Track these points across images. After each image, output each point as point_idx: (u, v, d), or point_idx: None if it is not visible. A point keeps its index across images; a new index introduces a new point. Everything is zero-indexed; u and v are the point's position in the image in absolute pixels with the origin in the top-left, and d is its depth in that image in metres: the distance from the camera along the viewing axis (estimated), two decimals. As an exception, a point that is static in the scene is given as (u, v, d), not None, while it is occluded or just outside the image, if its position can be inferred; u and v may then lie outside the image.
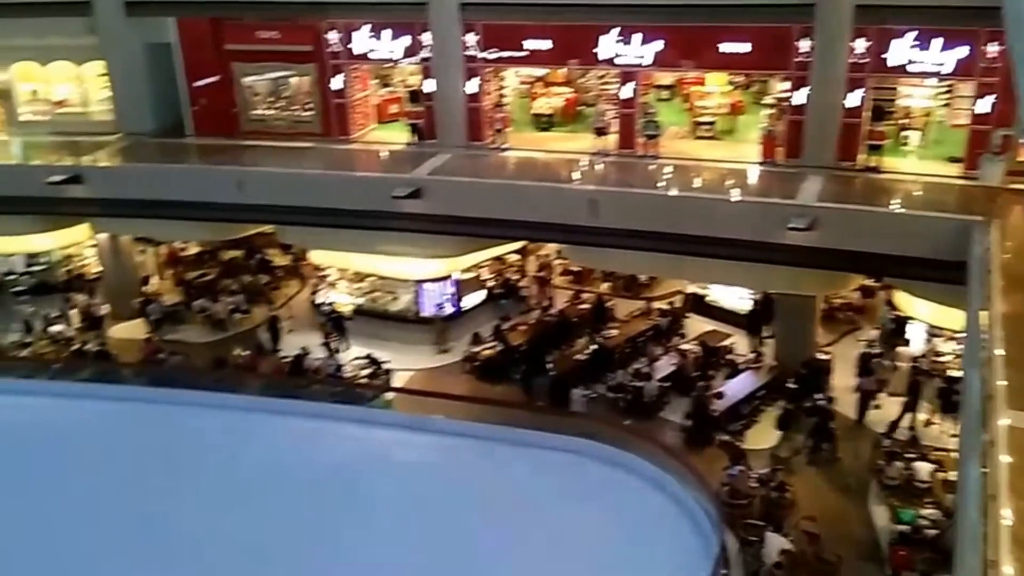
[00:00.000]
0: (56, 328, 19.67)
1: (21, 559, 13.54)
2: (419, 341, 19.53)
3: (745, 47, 18.56)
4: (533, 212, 17.17)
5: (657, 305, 20.29)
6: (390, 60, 21.13)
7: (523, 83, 23.91)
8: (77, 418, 17.89)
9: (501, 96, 22.23)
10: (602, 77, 22.61)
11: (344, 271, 20.44)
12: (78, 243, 21.62)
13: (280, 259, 23.03)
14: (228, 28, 21.32)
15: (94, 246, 21.44)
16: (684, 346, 18.57)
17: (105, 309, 20.71)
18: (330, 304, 20.11)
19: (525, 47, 19.93)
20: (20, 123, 22.21)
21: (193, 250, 23.38)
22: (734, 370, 17.86)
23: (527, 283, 21.54)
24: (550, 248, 21.42)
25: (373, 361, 18.21)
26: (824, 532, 13.34)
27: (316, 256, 20.54)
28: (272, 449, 16.56)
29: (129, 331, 20.42)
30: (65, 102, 22.41)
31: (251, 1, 20.37)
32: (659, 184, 18.45)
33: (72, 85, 22.23)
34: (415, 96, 21.47)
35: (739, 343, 18.99)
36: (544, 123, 22.67)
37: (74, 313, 20.39)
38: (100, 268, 21.55)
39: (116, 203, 19.03)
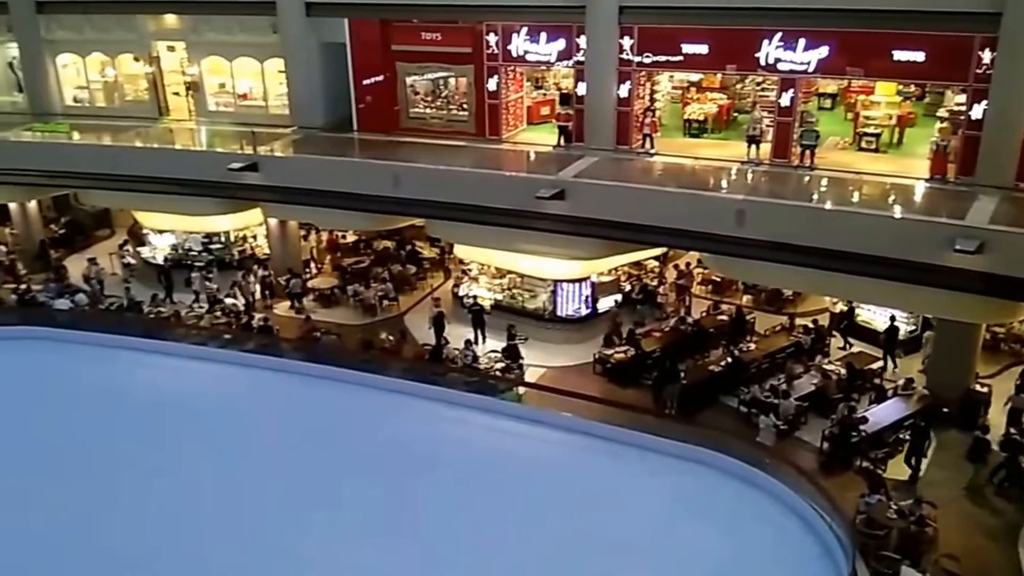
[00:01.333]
0: (229, 302, 21.29)
1: (173, 505, 14.98)
2: (552, 339, 19.74)
3: (919, 56, 17.35)
4: (677, 219, 16.87)
5: (800, 321, 19.46)
6: (545, 62, 21.40)
7: (676, 88, 23.53)
8: (242, 384, 19.50)
9: (652, 100, 22.03)
10: (760, 83, 21.91)
11: (486, 266, 20.93)
12: (250, 226, 23.32)
13: (428, 251, 23.84)
14: (395, 30, 22.30)
15: (262, 228, 23.05)
16: (827, 366, 17.73)
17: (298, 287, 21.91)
18: (471, 297, 20.71)
19: (682, 51, 19.65)
20: (208, 112, 24.17)
21: (351, 238, 24.62)
22: (881, 395, 16.88)
23: (665, 290, 21.24)
24: (691, 256, 21.02)
25: (508, 355, 18.59)
26: (965, 573, 12.41)
27: (461, 250, 21.15)
28: (407, 429, 17.39)
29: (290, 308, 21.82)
30: (248, 96, 24.14)
31: (418, 4, 21.14)
32: (814, 196, 17.72)
33: (254, 80, 23.92)
34: (566, 99, 21.63)
35: (888, 367, 17.98)
36: (695, 129, 22.25)
37: (248, 289, 21.96)
38: (268, 250, 23.15)
39: (286, 191, 20.31)
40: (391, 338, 19.76)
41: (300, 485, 15.39)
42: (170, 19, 23.60)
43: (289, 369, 19.21)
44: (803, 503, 14.06)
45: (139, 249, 23.65)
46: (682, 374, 17.30)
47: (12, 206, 23.91)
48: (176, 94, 24.63)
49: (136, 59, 24.32)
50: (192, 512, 14.76)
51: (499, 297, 20.72)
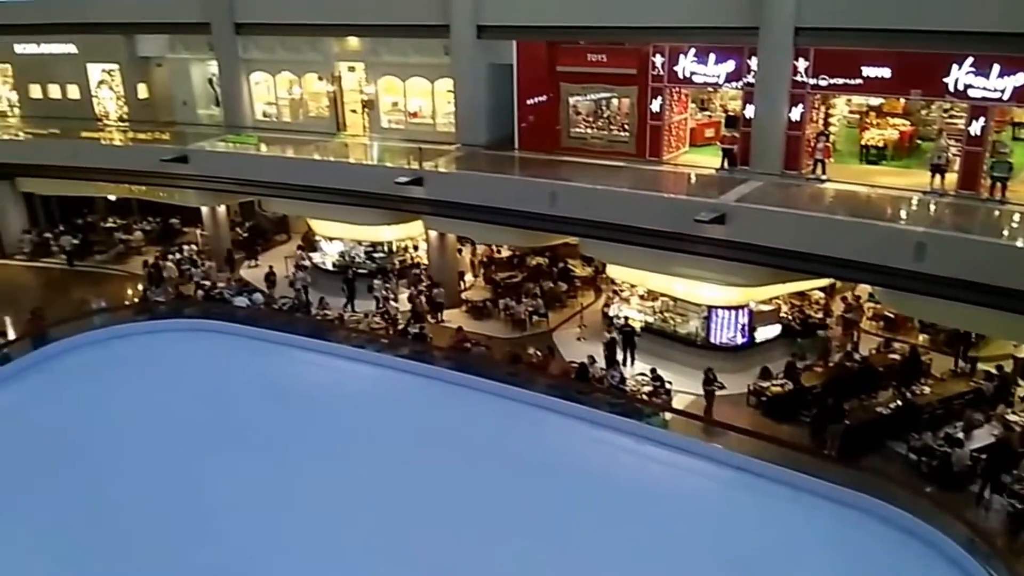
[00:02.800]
0: (389, 308, 22.15)
1: (321, 507, 15.60)
2: (703, 366, 19.06)
3: None
4: (848, 249, 15.87)
5: (983, 367, 17.72)
6: (712, 84, 20.90)
7: (852, 112, 22.28)
8: (393, 387, 20.14)
9: (826, 124, 20.96)
10: (948, 110, 20.32)
11: (638, 287, 20.61)
12: (412, 237, 24.23)
13: (580, 270, 23.78)
14: (561, 51, 22.57)
15: (423, 240, 23.88)
16: (1012, 417, 16.00)
17: (441, 297, 22.66)
18: (622, 318, 20.42)
19: (861, 74, 18.58)
20: (381, 129, 25.37)
21: (505, 253, 25.02)
22: (1076, 455, 15.01)
23: (830, 323, 20.02)
24: (861, 289, 19.70)
25: (656, 379, 18.13)
26: None
27: (613, 270, 20.93)
28: (549, 445, 17.18)
29: (448, 318, 22.26)
30: (417, 114, 25.14)
31: (589, 26, 21.27)
32: (1004, 232, 16.16)
33: (424, 99, 24.92)
34: (731, 121, 20.98)
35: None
36: (873, 156, 20.92)
37: (406, 297, 22.78)
38: (427, 261, 23.95)
39: (447, 205, 20.96)
40: (539, 353, 19.77)
41: (437, 489, 15.56)
42: (353, 42, 25.07)
43: (438, 376, 19.64)
44: (977, 566, 12.67)
45: (311, 254, 25.18)
46: (845, 413, 16.18)
47: (204, 210, 26.10)
48: (353, 111, 26.07)
49: (320, 78, 25.96)
50: (333, 504, 15.30)
51: (650, 319, 20.28)
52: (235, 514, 15.04)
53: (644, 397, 17.94)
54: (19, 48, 28.34)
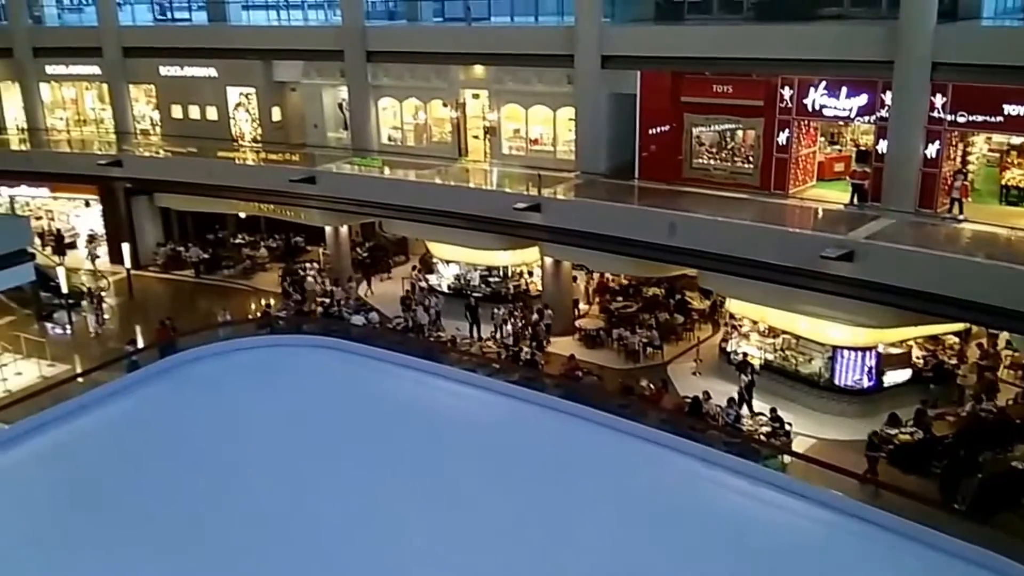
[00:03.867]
0: (502, 333, 22.92)
1: (424, 513, 16.23)
2: (826, 409, 18.87)
3: None
4: (985, 293, 15.52)
5: None
6: (843, 118, 20.82)
7: (992, 151, 21.67)
8: (502, 412, 20.77)
9: (964, 163, 20.50)
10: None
11: (758, 323, 20.59)
12: (527, 263, 25.00)
13: (698, 303, 23.89)
14: (686, 82, 22.97)
15: (538, 266, 24.57)
16: None
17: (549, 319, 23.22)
18: (740, 354, 20.46)
19: (1003, 112, 18.17)
20: (502, 155, 26.37)
21: (621, 282, 25.40)
22: None
23: (964, 370, 19.40)
24: (1001, 336, 19.05)
25: (775, 419, 18.08)
26: None
27: (733, 305, 21.00)
28: (659, 481, 17.40)
29: (560, 346, 22.79)
30: (538, 141, 26.00)
31: (715, 58, 21.64)
32: None
33: (546, 127, 25.77)
34: (863, 156, 20.82)
35: None
36: (1013, 196, 20.32)
37: (516, 322, 23.48)
38: (541, 288, 24.63)
39: (564, 232, 21.61)
40: (652, 386, 20.02)
41: (540, 520, 15.98)
42: (478, 70, 26.28)
43: (548, 404, 20.16)
44: None
45: (427, 276, 26.35)
46: (979, 466, 15.71)
47: (327, 229, 27.73)
48: (475, 137, 27.23)
49: (444, 105, 27.27)
50: (434, 525, 15.95)
51: (770, 357, 20.23)
52: (338, 527, 15.98)
53: (762, 437, 17.89)
54: (164, 70, 30.94)
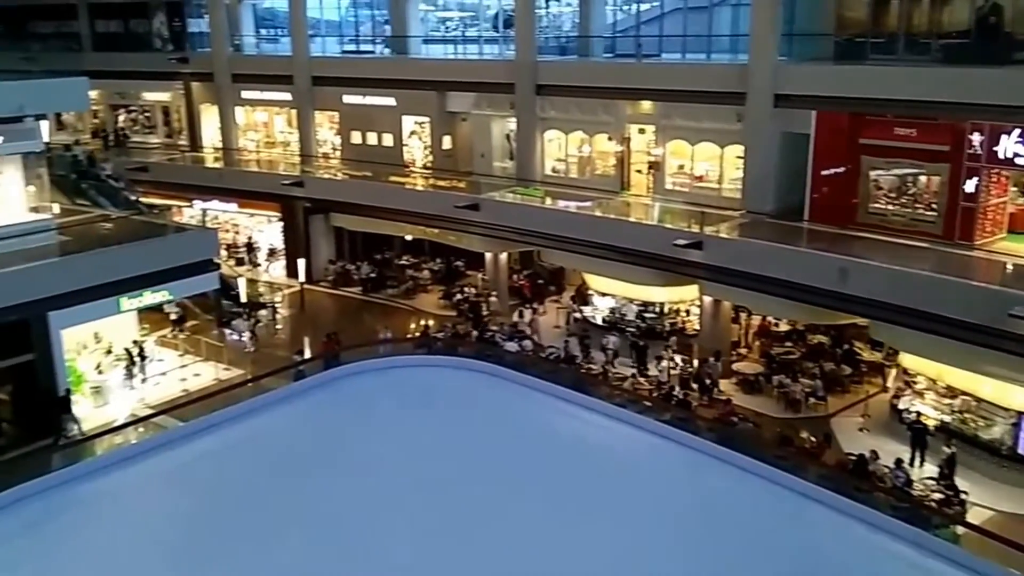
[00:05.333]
0: (657, 371, 22.54)
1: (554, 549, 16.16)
2: (1006, 479, 17.27)
3: None
4: None
5: None
6: (1040, 167, 19.26)
7: None
8: (651, 452, 20.42)
9: None
10: None
11: (935, 382, 19.20)
12: (685, 301, 24.57)
13: (867, 354, 22.61)
14: (865, 123, 21.96)
15: (698, 306, 24.10)
16: None
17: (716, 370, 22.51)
18: (913, 413, 19.12)
19: None
20: (664, 191, 26.16)
21: (783, 327, 24.47)
22: None
23: None
24: None
25: (949, 486, 16.74)
26: None
27: (907, 359, 19.72)
28: (815, 542, 16.47)
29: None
30: (703, 178, 25.62)
31: (899, 99, 20.61)
32: None
33: (711, 164, 25.37)
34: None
35: None
36: None
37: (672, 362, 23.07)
38: (698, 327, 24.14)
39: (726, 271, 21.16)
40: (813, 439, 19.09)
41: (687, 568, 15.49)
42: (646, 105, 26.30)
43: (699, 447, 19.63)
44: None
45: (582, 308, 26.46)
46: None
47: (487, 256, 28.52)
48: (638, 171, 27.18)
49: (609, 138, 27.43)
50: (565, 557, 15.86)
51: (946, 418, 18.81)
52: (473, 548, 16.21)
53: (933, 504, 16.61)
54: (347, 99, 33.00)
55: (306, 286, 29.98)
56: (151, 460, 19.28)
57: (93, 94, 24.85)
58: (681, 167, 26.05)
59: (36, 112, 21.29)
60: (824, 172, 22.41)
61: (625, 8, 32.15)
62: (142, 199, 28.85)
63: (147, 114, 39.47)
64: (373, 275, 30.95)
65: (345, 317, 28.52)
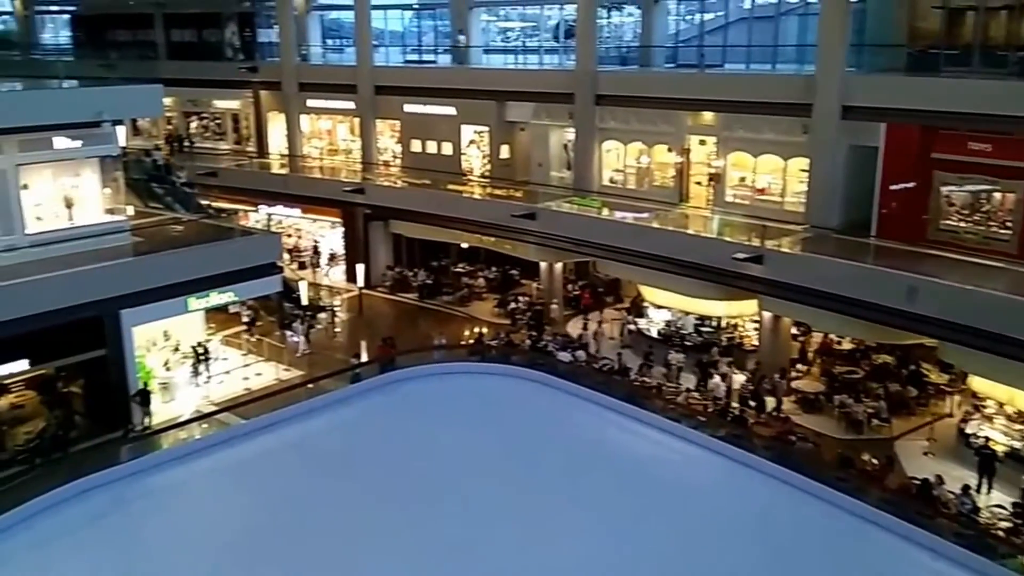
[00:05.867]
0: (712, 384, 22.19)
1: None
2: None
3: None
4: None
5: None
6: None
7: None
8: (702, 467, 20.09)
9: None
10: None
11: (1005, 406, 18.47)
12: (743, 315, 24.16)
13: (934, 376, 21.89)
14: (938, 137, 21.27)
15: (757, 322, 23.66)
16: None
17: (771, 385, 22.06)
18: (982, 438, 18.42)
19: None
20: (724, 203, 25.74)
21: (846, 345, 23.88)
22: None
23: None
24: None
25: (1018, 514, 16.05)
26: None
27: (977, 383, 19.02)
28: (875, 567, 16.02)
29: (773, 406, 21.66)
30: (765, 191, 25.17)
31: (975, 113, 19.91)
32: None
33: (774, 177, 24.91)
34: None
35: None
36: None
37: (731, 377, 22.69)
38: (756, 342, 23.70)
39: (786, 287, 20.72)
40: (875, 462, 18.55)
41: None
42: (707, 116, 25.97)
43: (754, 465, 19.28)
44: None
45: (637, 320, 26.22)
46: None
47: (542, 265, 28.46)
48: (698, 183, 26.83)
49: (669, 149, 27.15)
50: (616, 565, 15.72)
51: (1017, 445, 18.07)
52: (517, 554, 16.21)
53: (1000, 533, 15.96)
54: (408, 107, 33.36)
55: (364, 291, 30.39)
56: (214, 455, 19.88)
57: (167, 101, 25.56)
58: (742, 179, 25.64)
59: (113, 118, 21.96)
60: (893, 187, 21.80)
61: (688, 18, 31.92)
62: (211, 203, 29.61)
63: (217, 121, 40.57)
64: (429, 282, 31.21)
65: (401, 322, 28.79)
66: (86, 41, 43.85)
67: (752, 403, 21.37)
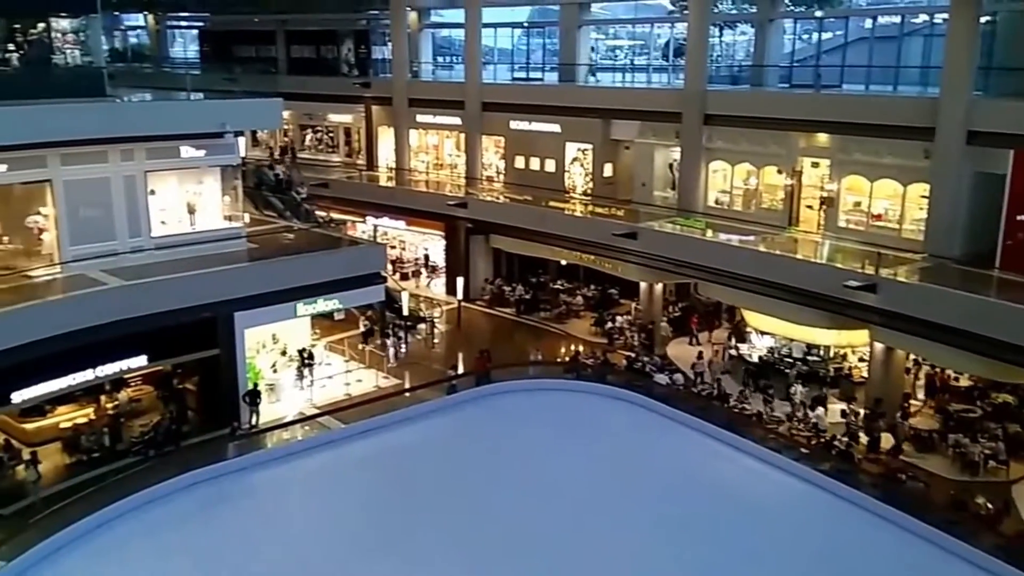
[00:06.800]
0: (815, 415, 21.55)
1: None
2: None
3: None
4: None
5: None
6: None
7: None
8: (807, 502, 19.43)
9: None
10: None
11: None
12: (852, 345, 23.31)
13: (1061, 419, 20.65)
14: (1073, 163, 20.20)
15: (865, 350, 22.82)
16: None
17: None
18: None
19: None
20: (837, 228, 24.92)
21: (964, 382, 22.78)
22: None
23: None
24: None
25: None
26: None
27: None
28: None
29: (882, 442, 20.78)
30: (881, 217, 24.26)
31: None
32: None
33: (891, 202, 23.99)
34: None
35: None
36: None
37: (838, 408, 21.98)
38: (866, 375, 22.80)
39: (901, 318, 19.90)
40: (990, 505, 17.55)
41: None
42: (822, 138, 25.29)
43: (860, 502, 18.55)
44: None
45: (739, 345, 25.67)
46: None
47: (643, 285, 28.24)
48: (809, 207, 26.11)
49: (779, 171, 26.58)
50: None
51: None
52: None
53: None
54: (513, 124, 33.80)
55: (463, 303, 30.91)
56: (314, 457, 20.65)
57: (285, 114, 26.74)
58: (857, 204, 24.78)
59: (236, 129, 23.22)
60: (1021, 217, 20.67)
61: (804, 37, 31.20)
62: (321, 213, 30.80)
63: (330, 134, 42.21)
64: (527, 297, 31.45)
65: (498, 336, 29.10)
66: (212, 55, 46.45)
67: (863, 438, 20.57)
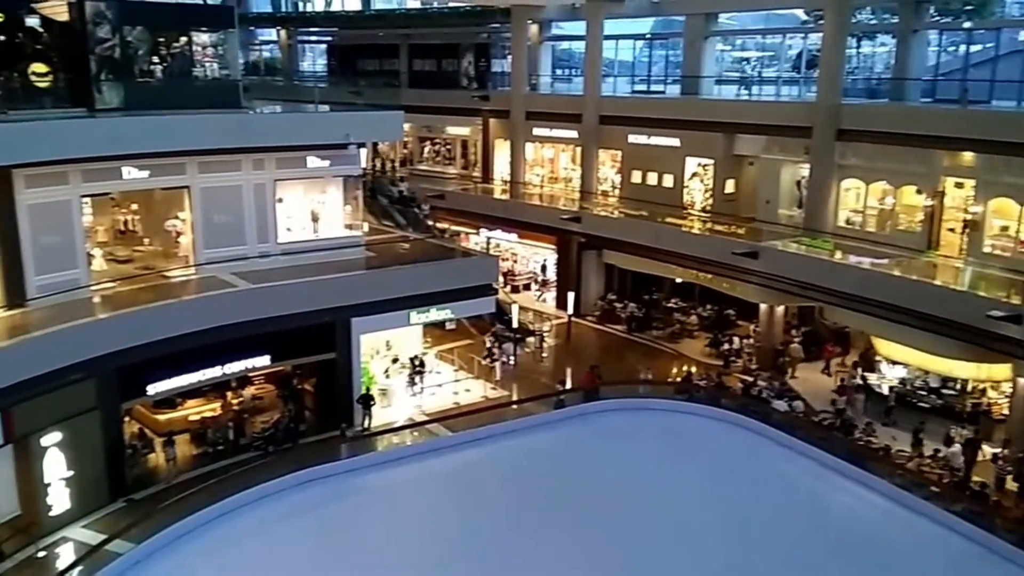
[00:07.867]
0: (948, 452, 20.46)
1: None
2: None
3: None
4: None
5: None
6: None
7: None
8: (938, 546, 18.37)
9: None
10: None
11: None
12: (994, 380, 22.01)
13: None
14: None
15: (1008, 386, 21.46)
16: None
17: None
18: None
19: None
20: (981, 254, 23.62)
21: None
22: None
23: None
24: None
25: None
26: None
27: None
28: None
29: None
30: (1034, 242, 22.95)
31: None
32: None
33: (1044, 228, 22.66)
34: None
35: None
36: None
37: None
38: (1008, 411, 21.43)
39: (1051, 352, 18.77)
40: None
41: None
42: (966, 157, 24.04)
43: (997, 549, 17.47)
44: None
45: (867, 374, 24.60)
46: None
47: (762, 307, 27.49)
48: (950, 230, 24.81)
49: (919, 191, 25.39)
50: None
51: None
52: None
53: None
54: (631, 138, 33.64)
55: (573, 318, 30.98)
56: (422, 462, 21.27)
57: (405, 126, 27.57)
58: (1004, 229, 23.37)
59: (359, 141, 24.22)
60: None
61: (951, 49, 29.75)
62: (437, 224, 31.63)
63: (448, 146, 43.28)
64: (639, 314, 31.19)
65: (608, 353, 28.97)
66: (339, 69, 48.55)
67: (1015, 483, 19.42)
